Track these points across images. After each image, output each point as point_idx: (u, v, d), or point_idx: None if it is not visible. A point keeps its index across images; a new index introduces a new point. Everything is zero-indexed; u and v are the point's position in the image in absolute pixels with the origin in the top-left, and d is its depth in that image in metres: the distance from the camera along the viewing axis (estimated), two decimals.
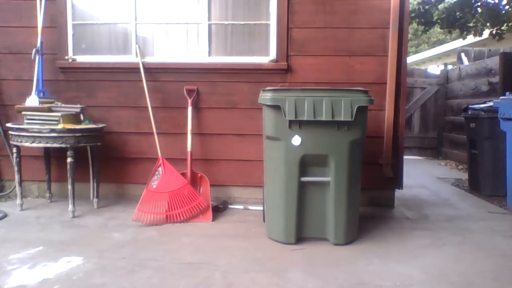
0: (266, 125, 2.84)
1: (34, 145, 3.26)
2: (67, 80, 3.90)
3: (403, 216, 3.61)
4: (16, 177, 3.49)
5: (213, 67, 3.80)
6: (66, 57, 3.88)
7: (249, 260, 2.55)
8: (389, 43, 3.66)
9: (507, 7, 7.48)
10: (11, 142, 3.41)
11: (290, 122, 2.69)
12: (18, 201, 3.51)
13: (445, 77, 7.79)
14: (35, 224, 3.17)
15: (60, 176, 3.84)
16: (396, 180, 3.81)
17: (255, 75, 3.77)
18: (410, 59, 13.88)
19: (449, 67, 9.48)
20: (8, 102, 3.90)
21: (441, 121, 7.76)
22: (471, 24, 7.90)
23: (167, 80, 3.83)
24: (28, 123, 3.31)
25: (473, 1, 7.59)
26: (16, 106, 3.47)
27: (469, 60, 8.03)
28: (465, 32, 8.03)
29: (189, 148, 3.60)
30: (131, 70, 3.79)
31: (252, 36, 3.86)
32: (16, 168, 3.47)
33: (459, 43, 10.12)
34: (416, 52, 18.90)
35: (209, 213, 3.37)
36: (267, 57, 3.78)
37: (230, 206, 3.74)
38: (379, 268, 2.46)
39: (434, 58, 13.40)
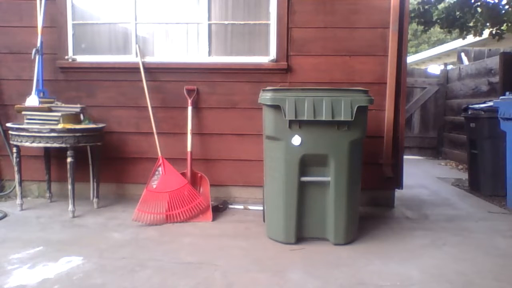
0: (266, 125, 2.84)
1: (34, 145, 3.26)
2: (67, 80, 3.90)
3: (403, 216, 3.61)
4: (16, 177, 3.49)
5: (213, 67, 3.80)
6: (66, 57, 3.88)
7: (249, 260, 2.55)
8: (389, 43, 3.66)
9: (507, 7, 7.48)
10: (11, 142, 3.41)
11: (290, 122, 2.69)
12: (18, 201, 3.51)
13: (445, 77, 7.79)
14: (35, 224, 3.17)
15: (60, 176, 3.84)
16: (396, 180, 3.81)
17: (255, 75, 3.77)
18: (410, 59, 13.89)
19: (449, 67, 9.47)
20: (8, 102, 3.90)
21: (441, 121, 7.76)
22: (471, 24, 7.90)
23: (167, 80, 3.83)
24: (28, 123, 3.31)
25: (472, 0, 7.58)
26: (16, 106, 3.47)
27: (469, 60, 8.04)
28: (465, 32, 8.03)
29: (189, 148, 3.60)
30: (131, 70, 3.79)
31: (252, 36, 3.86)
32: (16, 168, 3.47)
33: (459, 43, 10.12)
34: (416, 52, 18.90)
35: (209, 213, 3.37)
36: (267, 57, 3.78)
37: (230, 206, 3.74)
38: (379, 268, 2.46)
39: (434, 58, 13.41)
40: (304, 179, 2.75)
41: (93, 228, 3.11)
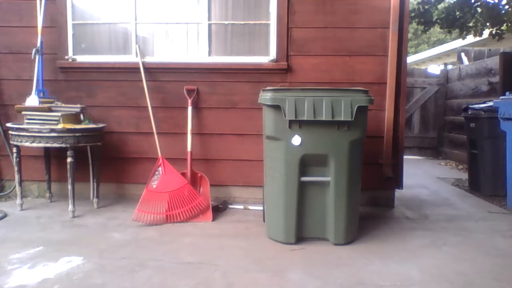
0: (266, 125, 2.84)
1: (34, 145, 3.26)
2: (67, 80, 3.90)
3: (403, 216, 3.61)
4: (16, 177, 3.49)
5: (213, 67, 3.80)
6: (66, 57, 3.88)
7: (249, 260, 2.55)
8: (389, 43, 3.66)
9: (507, 7, 7.48)
10: (11, 142, 3.41)
11: (290, 122, 2.69)
12: (18, 201, 3.51)
13: (445, 77, 7.80)
14: (35, 224, 3.17)
15: (60, 176, 3.84)
16: (396, 180, 3.80)
17: (255, 75, 3.77)
18: (410, 59, 13.88)
19: (449, 67, 9.47)
20: (8, 102, 3.90)
21: (441, 121, 7.76)
22: (471, 24, 7.90)
23: (167, 80, 3.83)
24: (28, 123, 3.31)
25: (472, 1, 7.58)
26: (16, 106, 3.47)
27: (469, 60, 8.04)
28: (464, 32, 8.03)
29: (189, 148, 3.60)
30: (131, 70, 3.79)
31: (252, 36, 3.86)
32: (16, 168, 3.47)
33: (459, 43, 10.12)
34: (416, 52, 18.90)
35: (209, 213, 3.37)
36: (267, 57, 3.78)
37: (230, 206, 3.74)
38: (379, 268, 2.46)
39: (434, 58, 13.40)
40: (304, 179, 2.75)
41: (93, 228, 3.11)
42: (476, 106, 4.73)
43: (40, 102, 3.44)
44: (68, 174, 3.31)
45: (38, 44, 3.63)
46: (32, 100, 3.44)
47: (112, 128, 3.84)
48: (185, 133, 3.66)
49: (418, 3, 8.14)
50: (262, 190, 3.25)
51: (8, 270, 2.33)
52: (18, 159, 3.46)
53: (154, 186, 3.39)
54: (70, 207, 3.33)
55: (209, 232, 3.06)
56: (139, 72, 3.70)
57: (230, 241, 2.88)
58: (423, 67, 13.97)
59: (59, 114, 3.32)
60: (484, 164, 4.56)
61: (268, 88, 2.84)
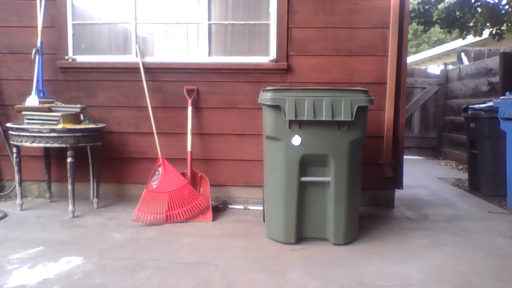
0: (266, 125, 2.84)
1: (34, 145, 3.26)
2: (67, 80, 3.90)
3: (403, 216, 3.61)
4: (16, 177, 3.49)
5: (213, 67, 3.80)
6: (66, 57, 3.88)
7: (249, 260, 2.55)
8: (389, 43, 3.66)
9: (507, 7, 7.49)
10: (11, 142, 3.41)
11: (290, 122, 2.69)
12: (18, 201, 3.51)
13: (445, 77, 7.79)
14: (35, 224, 3.17)
15: (60, 176, 3.84)
16: (396, 180, 3.80)
17: (255, 75, 3.77)
18: (410, 59, 13.89)
19: (449, 67, 9.48)
20: (8, 102, 3.90)
21: (441, 121, 7.76)
22: (471, 24, 7.91)
23: (167, 80, 3.83)
24: (28, 123, 3.31)
25: (472, 1, 7.59)
26: (16, 106, 3.47)
27: (469, 60, 8.04)
28: (465, 32, 8.04)
29: (189, 148, 3.60)
30: (131, 70, 3.79)
31: (252, 36, 3.86)
32: (16, 168, 3.47)
33: (459, 43, 10.13)
34: (416, 52, 18.91)
35: (209, 213, 3.37)
36: (267, 57, 3.78)
37: (230, 206, 3.74)
38: (379, 268, 2.46)
39: (434, 58, 13.42)
40: (304, 179, 2.75)
41: (93, 228, 3.11)
42: (476, 106, 4.73)
43: (40, 102, 3.44)
44: (68, 174, 3.31)
45: (38, 44, 3.63)
46: (32, 100, 3.44)
47: (112, 128, 3.84)
48: (185, 133, 3.66)
49: (418, 3, 8.14)
50: (262, 190, 3.25)
51: (8, 270, 2.33)
52: (18, 159, 3.46)
53: (154, 186, 3.39)
54: (70, 207, 3.33)
55: (209, 232, 3.06)
56: (139, 72, 3.70)
57: (230, 241, 2.88)
58: (423, 67, 13.98)
59: (59, 114, 3.32)
60: (484, 164, 4.56)
61: (268, 88, 2.84)
